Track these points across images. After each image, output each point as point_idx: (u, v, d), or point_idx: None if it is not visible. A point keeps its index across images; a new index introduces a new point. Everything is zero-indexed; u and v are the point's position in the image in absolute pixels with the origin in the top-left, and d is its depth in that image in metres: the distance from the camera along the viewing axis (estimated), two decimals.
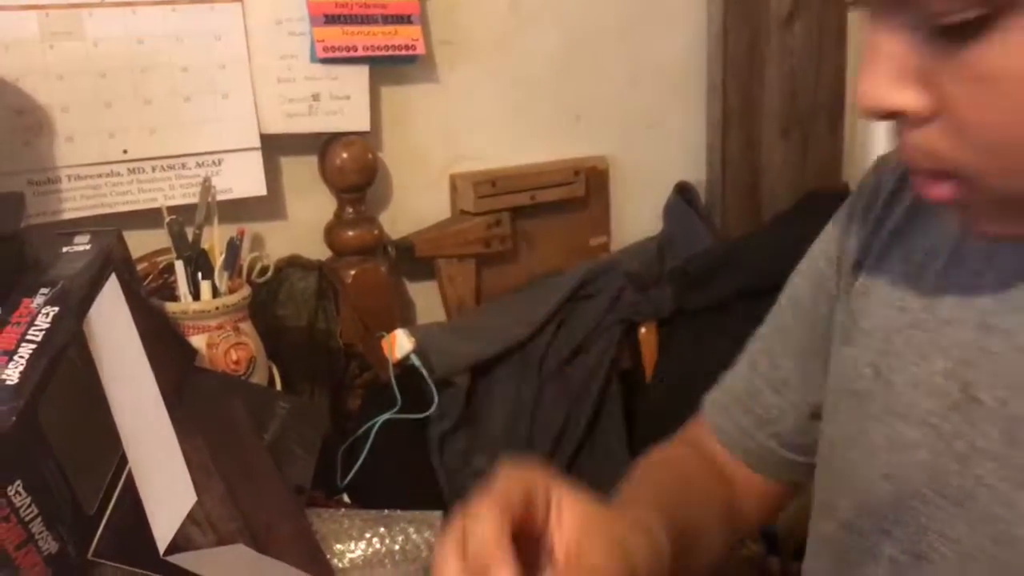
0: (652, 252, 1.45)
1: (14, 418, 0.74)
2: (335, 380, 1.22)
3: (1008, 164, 0.43)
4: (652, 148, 1.49)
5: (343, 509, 0.98)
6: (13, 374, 0.78)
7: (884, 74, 0.44)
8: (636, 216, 1.49)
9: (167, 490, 0.74)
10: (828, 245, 0.68)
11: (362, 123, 1.21)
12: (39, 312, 0.83)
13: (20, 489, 0.75)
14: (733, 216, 1.53)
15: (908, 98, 0.44)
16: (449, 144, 1.32)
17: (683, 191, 1.51)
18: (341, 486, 1.14)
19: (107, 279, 0.85)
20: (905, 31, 0.42)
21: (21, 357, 0.80)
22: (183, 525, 0.76)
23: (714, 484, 0.71)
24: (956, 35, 0.40)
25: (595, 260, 1.39)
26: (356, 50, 1.17)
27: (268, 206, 1.21)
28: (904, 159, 0.47)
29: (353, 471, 1.15)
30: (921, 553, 0.54)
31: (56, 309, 0.83)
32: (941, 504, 0.53)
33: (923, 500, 0.54)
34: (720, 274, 1.40)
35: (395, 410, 1.17)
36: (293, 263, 1.21)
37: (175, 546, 0.74)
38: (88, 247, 0.91)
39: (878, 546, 0.57)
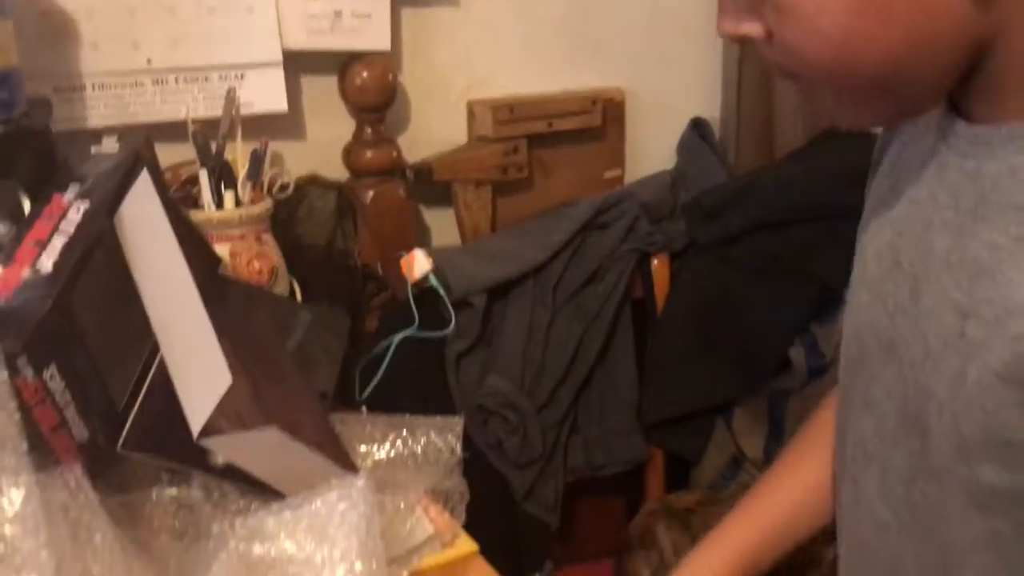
0: (666, 185, 1.46)
1: (50, 302, 0.76)
2: (353, 300, 1.23)
3: (821, 71, 0.54)
4: (668, 82, 1.49)
5: (365, 414, 0.99)
6: (47, 263, 0.79)
7: (731, 9, 0.56)
8: (651, 149, 1.50)
9: (201, 373, 0.76)
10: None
11: (383, 42, 1.21)
12: (70, 206, 0.84)
13: (55, 373, 0.77)
14: (747, 152, 1.53)
15: (748, 27, 0.55)
16: (468, 70, 1.32)
17: (698, 126, 1.51)
18: (359, 400, 1.16)
19: (138, 176, 0.85)
20: None
21: (54, 248, 0.81)
22: (213, 417, 0.78)
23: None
24: None
25: (610, 190, 1.39)
26: None
27: (288, 124, 1.21)
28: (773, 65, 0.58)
29: (371, 387, 1.17)
30: (869, 400, 0.63)
31: (87, 203, 0.84)
32: (879, 355, 0.62)
33: (871, 353, 0.63)
34: (733, 208, 1.41)
35: (413, 328, 1.18)
36: (313, 182, 1.22)
37: (207, 431, 0.75)
38: (117, 148, 0.92)
39: (853, 398, 0.67)
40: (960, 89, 0.55)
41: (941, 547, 0.58)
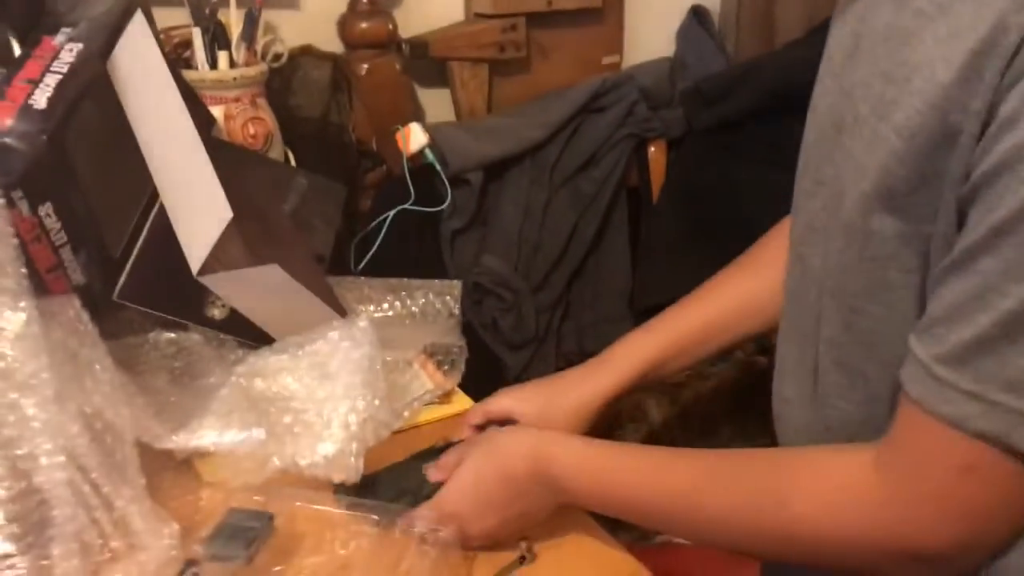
0: (665, 72, 1.43)
1: (45, 138, 0.74)
2: (347, 175, 1.22)
3: None
4: None
5: (363, 278, 0.98)
6: (40, 99, 0.77)
7: None
8: (649, 36, 1.47)
9: (201, 211, 0.74)
10: None
11: None
12: (62, 48, 0.82)
13: (51, 211, 0.75)
14: (746, 42, 1.51)
15: None
16: None
17: (697, 13, 1.49)
18: (355, 273, 1.15)
19: (132, 19, 0.83)
20: None
21: (47, 86, 0.79)
22: (211, 259, 0.77)
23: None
24: None
25: (611, 74, 1.37)
26: None
27: None
28: None
29: (366, 259, 1.16)
30: (820, 179, 0.65)
31: (80, 46, 0.82)
32: (832, 135, 0.63)
33: (826, 135, 0.64)
34: (732, 94, 1.40)
35: (409, 203, 1.17)
36: (307, 53, 1.19)
37: (206, 269, 0.74)
38: None
39: (805, 185, 0.68)
40: None
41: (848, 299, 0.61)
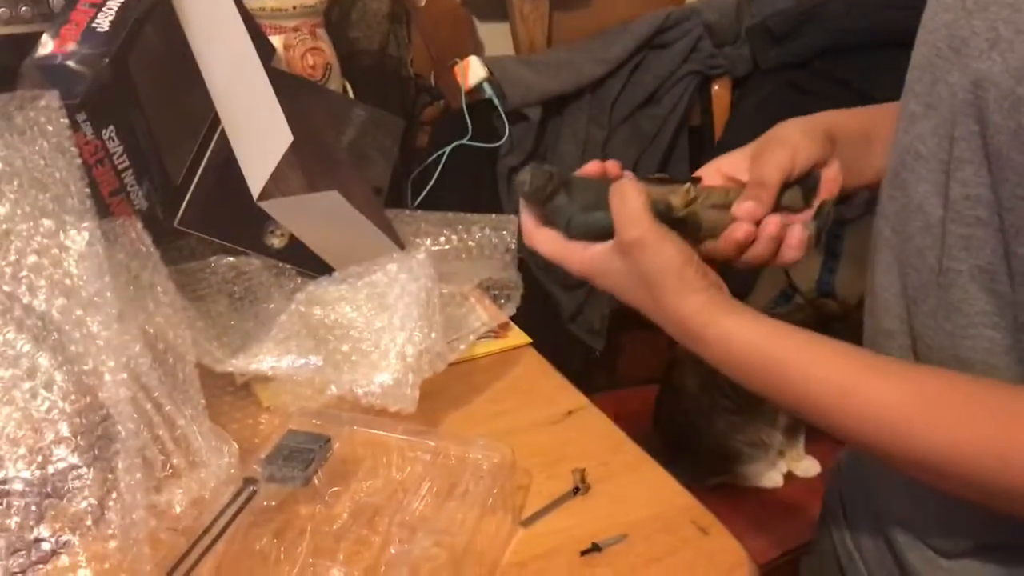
0: (732, 8, 1.39)
1: (107, 60, 0.74)
2: (405, 108, 1.21)
3: None
4: None
5: (420, 212, 0.98)
6: (103, 22, 0.77)
7: None
8: None
9: (262, 137, 0.74)
10: None
11: None
12: None
13: (113, 135, 0.76)
14: None
15: None
16: None
17: None
18: (411, 208, 1.15)
19: None
20: None
21: (110, 8, 0.79)
22: (271, 184, 0.77)
23: None
24: None
25: (675, 8, 1.33)
26: None
27: None
28: None
29: (423, 194, 1.15)
30: (931, 103, 0.61)
31: None
32: (949, 55, 0.59)
33: (941, 55, 0.60)
34: (802, 31, 1.35)
35: (466, 138, 1.16)
36: None
37: (267, 194, 0.74)
38: None
39: (912, 106, 0.63)
40: None
41: (993, 234, 0.58)
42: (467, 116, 1.16)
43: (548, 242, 0.69)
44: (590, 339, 1.34)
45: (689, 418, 1.23)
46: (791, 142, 0.70)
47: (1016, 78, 0.53)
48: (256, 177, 0.73)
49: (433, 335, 0.71)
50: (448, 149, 1.16)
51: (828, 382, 0.59)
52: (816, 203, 0.68)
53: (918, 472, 0.58)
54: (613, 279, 0.67)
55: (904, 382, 0.57)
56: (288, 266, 0.82)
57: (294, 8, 1.01)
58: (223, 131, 0.86)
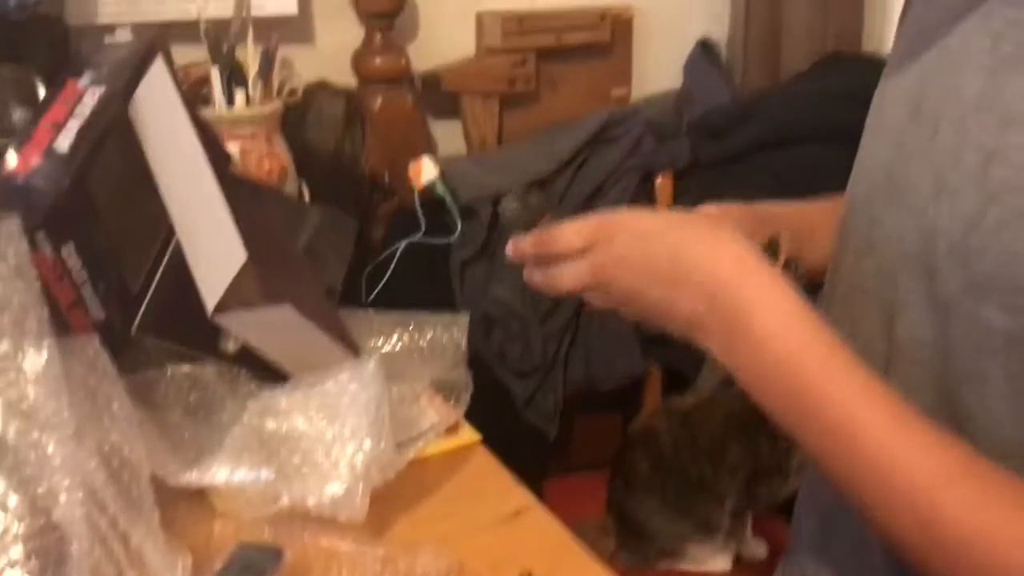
0: (672, 104, 1.46)
1: (68, 180, 0.77)
2: (360, 206, 1.25)
3: None
4: (677, 0, 1.49)
5: (372, 311, 1.01)
6: (64, 143, 0.80)
7: None
8: (657, 69, 1.50)
9: (217, 253, 0.77)
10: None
11: None
12: (85, 91, 0.85)
13: (72, 251, 0.78)
14: (752, 74, 1.54)
15: None
16: None
17: (704, 46, 1.52)
18: (365, 304, 1.18)
19: (153, 63, 0.86)
20: None
21: (70, 130, 0.82)
22: (226, 296, 0.80)
23: None
24: None
25: (617, 107, 1.40)
26: None
27: (297, 28, 1.21)
28: None
29: (377, 290, 1.19)
30: (871, 241, 0.64)
31: (102, 89, 0.85)
32: (886, 196, 0.62)
33: (878, 194, 0.64)
34: (738, 127, 1.42)
35: (419, 235, 1.20)
36: (322, 87, 1.23)
37: (222, 307, 0.77)
38: (131, 38, 0.92)
39: (852, 241, 0.67)
40: None
41: (936, 378, 0.60)
42: (420, 213, 1.20)
43: (578, 222, 0.63)
44: (543, 425, 1.36)
45: (639, 500, 1.26)
46: (730, 214, 0.73)
47: (965, 228, 0.55)
48: (211, 292, 0.76)
49: (383, 444, 0.74)
50: (402, 245, 1.20)
51: (866, 432, 0.53)
52: (782, 260, 0.71)
53: (924, 551, 0.52)
54: (643, 234, 0.60)
55: (935, 453, 0.53)
56: (243, 373, 0.85)
57: (251, 117, 1.05)
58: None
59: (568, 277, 0.64)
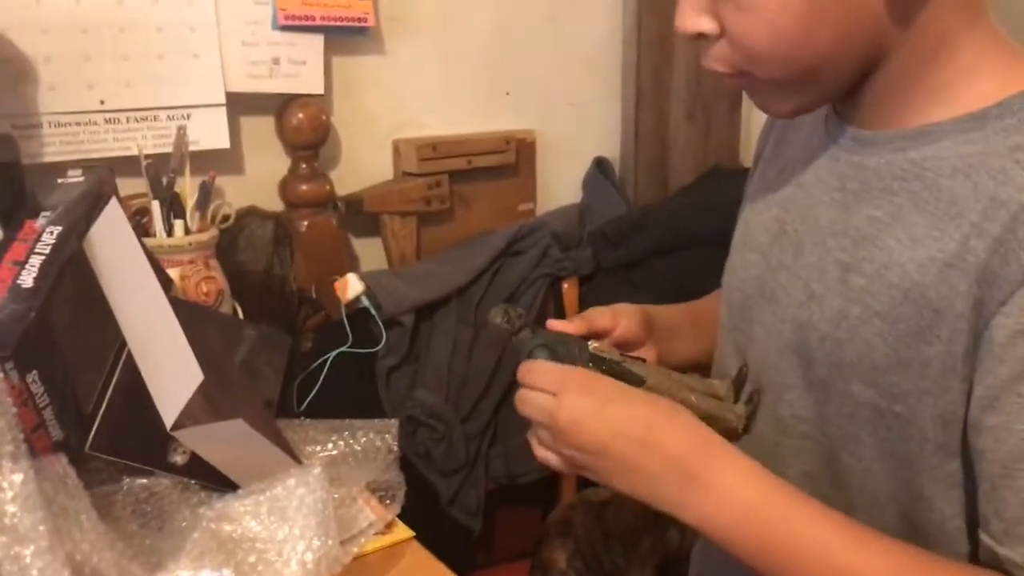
0: (574, 217, 1.60)
1: (33, 314, 0.84)
2: (289, 321, 1.34)
3: (766, 63, 0.66)
4: (574, 124, 1.64)
5: (308, 420, 1.09)
6: (27, 279, 0.88)
7: (691, 9, 0.67)
8: (559, 185, 1.65)
9: (173, 373, 0.85)
10: (758, 144, 0.92)
11: (317, 86, 1.33)
12: (43, 231, 0.93)
13: (36, 378, 0.85)
14: (644, 187, 1.70)
15: (705, 24, 0.67)
16: (394, 112, 1.45)
17: (600, 164, 1.67)
18: (297, 413, 1.26)
19: (107, 202, 0.95)
20: None
21: (32, 266, 0.89)
22: (180, 418, 0.88)
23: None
24: None
25: (525, 221, 1.53)
26: (314, 19, 1.29)
27: (229, 160, 1.31)
28: (708, 66, 0.70)
29: (308, 400, 1.27)
30: (750, 337, 0.78)
31: (60, 228, 0.93)
32: (760, 302, 0.77)
33: (753, 301, 0.78)
34: (633, 236, 1.57)
35: (347, 346, 1.29)
36: (252, 213, 1.32)
37: (177, 426, 0.85)
38: (82, 178, 1.01)
39: (734, 334, 0.82)
40: (846, 102, 0.70)
41: (818, 446, 0.72)
42: (347, 325, 1.30)
43: (553, 368, 0.73)
44: (468, 521, 1.44)
45: None
46: (629, 312, 0.86)
47: (833, 324, 0.68)
48: (168, 410, 0.84)
49: (330, 541, 0.82)
50: (331, 355, 1.29)
51: (813, 546, 0.63)
52: (747, 390, 0.80)
53: None
54: (608, 406, 0.69)
55: (883, 554, 0.63)
56: (194, 484, 0.92)
57: (190, 244, 1.14)
58: (128, 358, 0.96)
59: (531, 405, 0.74)
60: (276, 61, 1.28)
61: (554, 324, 0.80)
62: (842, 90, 0.69)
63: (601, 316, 0.85)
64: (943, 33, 0.64)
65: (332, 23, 1.31)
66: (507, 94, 1.57)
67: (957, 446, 0.64)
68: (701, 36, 0.67)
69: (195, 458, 0.94)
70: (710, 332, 0.89)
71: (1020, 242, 0.58)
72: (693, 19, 0.67)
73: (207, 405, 0.91)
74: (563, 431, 0.70)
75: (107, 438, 0.93)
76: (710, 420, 0.73)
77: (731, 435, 0.77)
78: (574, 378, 0.72)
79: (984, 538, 0.61)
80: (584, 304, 1.58)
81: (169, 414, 0.85)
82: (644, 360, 0.79)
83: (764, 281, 0.77)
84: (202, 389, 0.92)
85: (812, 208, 0.73)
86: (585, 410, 0.69)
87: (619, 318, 0.85)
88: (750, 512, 0.65)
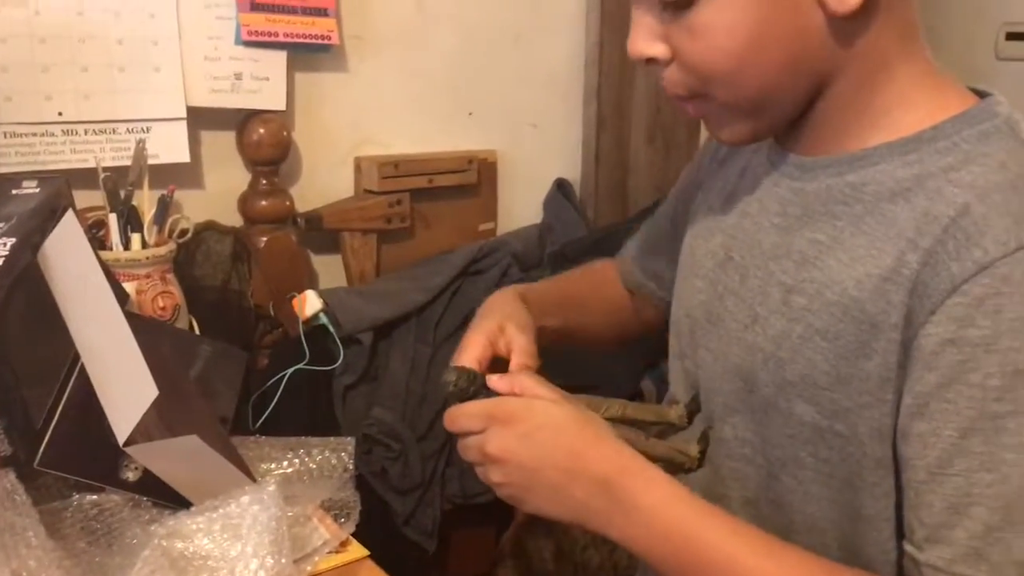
0: (534, 237, 1.61)
1: None
2: (246, 337, 1.33)
3: (718, 85, 0.67)
4: (536, 145, 1.66)
5: (263, 437, 1.08)
6: None
7: (642, 35, 0.68)
8: (520, 205, 1.66)
9: (127, 388, 0.84)
10: (692, 173, 0.94)
11: (279, 103, 1.33)
12: None
13: None
14: (604, 209, 1.71)
15: (656, 49, 0.68)
16: (356, 129, 1.45)
17: (561, 186, 1.69)
18: (252, 430, 1.24)
19: (63, 214, 0.94)
20: (651, 7, 0.67)
21: None
22: (134, 434, 0.86)
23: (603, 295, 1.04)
24: (677, 7, 0.65)
25: (486, 240, 1.54)
26: (277, 36, 1.29)
27: (188, 174, 1.30)
28: (665, 90, 0.71)
29: (263, 417, 1.26)
30: (698, 361, 0.80)
31: (13, 240, 0.92)
32: (706, 327, 0.78)
33: (699, 325, 0.79)
34: (593, 257, 1.58)
35: (304, 363, 1.29)
36: (210, 227, 1.31)
37: (130, 441, 0.84)
38: (37, 190, 1.00)
39: (683, 360, 0.84)
40: (787, 131, 0.73)
41: (758, 468, 0.74)
42: (304, 342, 1.29)
43: (476, 406, 0.76)
44: (423, 541, 1.44)
45: None
46: (515, 318, 0.87)
47: (776, 344, 0.70)
48: (121, 426, 0.83)
49: (284, 560, 0.81)
50: (288, 372, 1.28)
51: (722, 559, 0.65)
52: (698, 430, 0.81)
53: None
54: (535, 434, 0.71)
55: (790, 562, 0.65)
56: (145, 501, 0.90)
57: (147, 258, 1.13)
58: (80, 372, 0.95)
59: (465, 448, 0.77)
60: (238, 76, 1.28)
61: (491, 380, 0.79)
62: (792, 115, 0.71)
63: (494, 341, 0.85)
64: (882, 60, 0.67)
65: (296, 40, 1.31)
66: (470, 114, 1.58)
67: (890, 460, 0.66)
68: (652, 61, 0.69)
69: (147, 474, 0.93)
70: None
71: (950, 253, 0.60)
72: (644, 44, 0.68)
73: (160, 421, 0.90)
74: (494, 462, 0.73)
75: (57, 454, 0.92)
76: (664, 463, 0.76)
77: (684, 471, 0.80)
78: (498, 410, 0.74)
79: (907, 548, 0.63)
80: None
81: (122, 430, 0.84)
82: (598, 398, 0.81)
83: (711, 307, 0.79)
84: (156, 405, 0.91)
85: (756, 234, 0.75)
86: (510, 440, 0.72)
87: (509, 334, 0.85)
88: (670, 531, 0.67)
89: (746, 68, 0.66)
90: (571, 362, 1.52)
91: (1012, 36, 2.45)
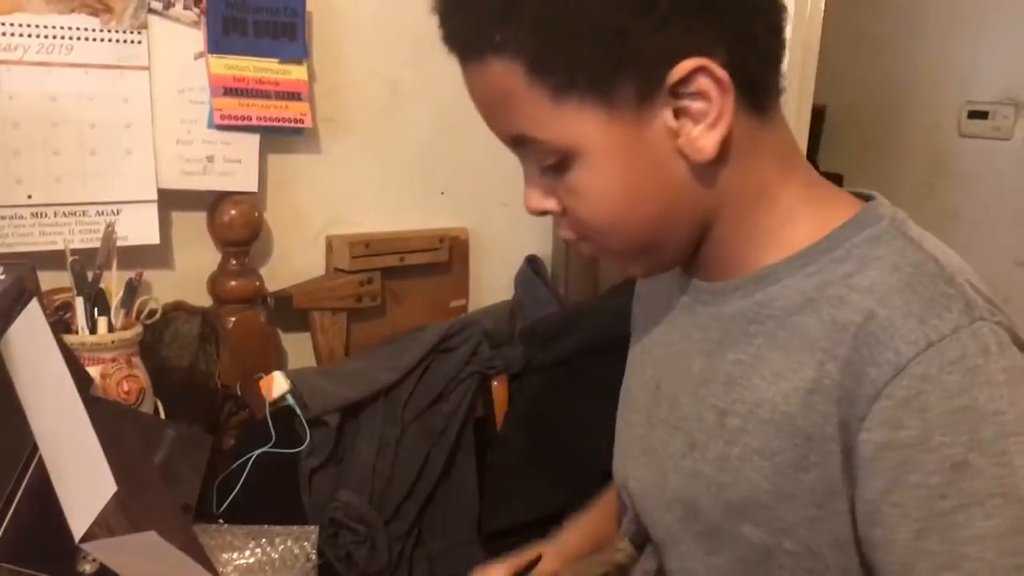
0: (505, 314, 1.62)
1: None
2: (212, 418, 1.32)
3: (602, 237, 0.72)
4: (507, 223, 1.67)
5: (226, 525, 1.07)
6: None
7: (533, 190, 0.73)
8: (492, 282, 1.67)
9: (85, 483, 0.83)
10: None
11: (251, 184, 1.34)
12: None
13: None
14: (575, 286, 1.72)
15: (548, 204, 0.73)
16: (327, 208, 1.46)
17: (532, 262, 1.70)
18: (217, 514, 1.23)
19: (26, 303, 0.94)
20: (537, 167, 0.71)
21: None
22: (91, 531, 0.85)
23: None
24: (557, 170, 0.69)
25: (456, 318, 1.54)
26: (250, 119, 1.31)
27: (158, 255, 1.31)
28: (562, 235, 0.76)
29: (228, 501, 1.24)
30: (632, 494, 0.82)
31: None
32: (639, 457, 0.81)
33: (632, 457, 0.82)
34: (563, 335, 1.59)
35: (269, 445, 1.28)
36: (179, 308, 1.31)
37: (87, 537, 0.82)
38: (3, 276, 1.00)
39: (621, 494, 0.86)
40: (693, 259, 0.75)
41: None
42: (271, 424, 1.28)
43: None
44: None
45: None
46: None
47: (717, 467, 0.71)
48: (79, 521, 0.82)
49: None
50: (254, 455, 1.27)
51: None
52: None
53: None
54: None
55: None
56: None
57: (112, 342, 1.12)
58: (38, 463, 0.94)
59: None
60: (210, 159, 1.29)
61: None
62: (686, 250, 0.74)
63: None
64: (760, 189, 0.71)
65: (269, 123, 1.33)
66: (442, 193, 1.59)
67: (857, 566, 0.66)
68: (545, 213, 0.74)
69: (105, 568, 0.92)
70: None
71: (864, 359, 0.62)
72: (536, 201, 0.73)
73: (121, 513, 0.89)
74: None
75: (12, 546, 0.90)
76: None
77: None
78: None
79: None
80: (512, 402, 1.59)
81: (79, 524, 0.82)
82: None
83: (646, 440, 0.81)
84: (117, 496, 0.90)
85: (683, 361, 0.77)
86: None
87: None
88: None
89: (626, 220, 0.70)
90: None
91: (973, 115, 2.52)
